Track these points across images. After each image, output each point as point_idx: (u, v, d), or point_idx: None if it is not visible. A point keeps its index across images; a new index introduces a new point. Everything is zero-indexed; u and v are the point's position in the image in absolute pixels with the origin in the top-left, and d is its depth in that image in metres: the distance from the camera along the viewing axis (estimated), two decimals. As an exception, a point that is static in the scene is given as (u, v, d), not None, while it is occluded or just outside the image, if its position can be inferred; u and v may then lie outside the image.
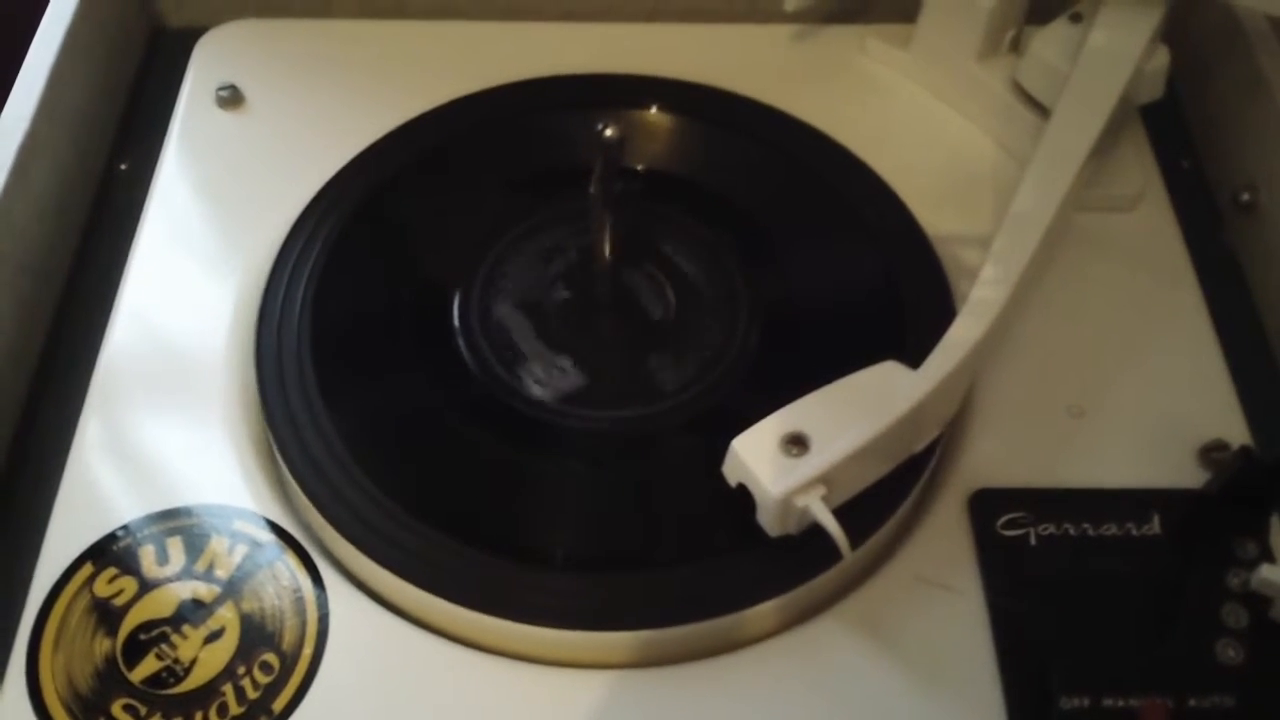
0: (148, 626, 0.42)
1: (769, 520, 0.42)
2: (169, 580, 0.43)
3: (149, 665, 0.41)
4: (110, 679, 0.41)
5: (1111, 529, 0.45)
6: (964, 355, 0.44)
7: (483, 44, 0.61)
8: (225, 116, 0.58)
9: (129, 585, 0.43)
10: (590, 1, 0.63)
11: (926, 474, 0.46)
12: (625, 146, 0.47)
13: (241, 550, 0.44)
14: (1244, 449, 0.46)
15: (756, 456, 0.42)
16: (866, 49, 0.61)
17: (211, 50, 0.60)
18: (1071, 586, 0.44)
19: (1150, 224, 0.55)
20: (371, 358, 0.50)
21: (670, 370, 0.49)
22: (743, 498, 0.43)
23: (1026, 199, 0.49)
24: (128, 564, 0.43)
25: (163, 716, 0.40)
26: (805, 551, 0.43)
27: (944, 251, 0.52)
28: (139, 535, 0.44)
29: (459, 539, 0.44)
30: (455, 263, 0.52)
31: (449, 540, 0.43)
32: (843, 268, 0.53)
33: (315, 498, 0.44)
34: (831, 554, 0.42)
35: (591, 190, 0.48)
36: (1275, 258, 0.55)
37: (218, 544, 0.44)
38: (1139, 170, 0.56)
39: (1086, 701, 0.41)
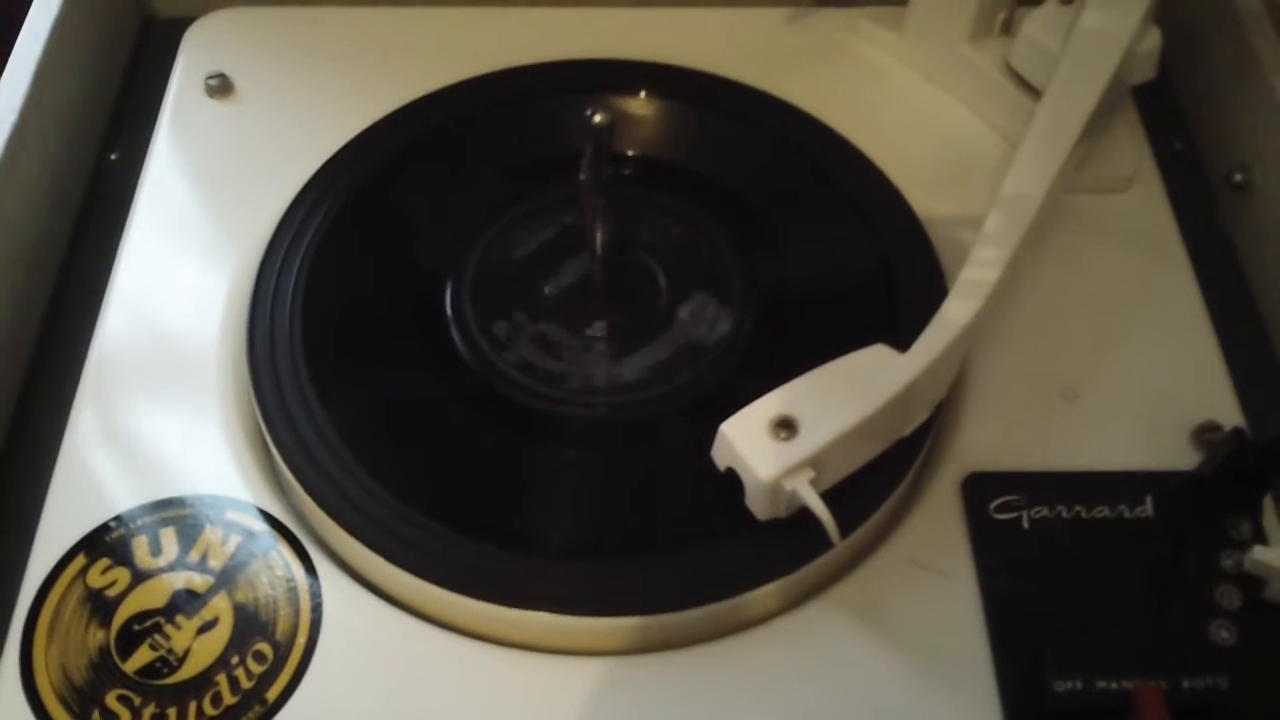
0: (141, 617, 0.42)
1: (758, 504, 0.42)
2: (162, 571, 0.43)
3: (143, 656, 0.41)
4: (104, 670, 0.41)
5: (1105, 511, 0.45)
6: (952, 338, 0.44)
7: (472, 30, 0.60)
8: (215, 105, 0.58)
9: (122, 576, 0.43)
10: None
11: (920, 458, 0.46)
12: (615, 132, 0.47)
13: (235, 540, 0.44)
14: (1237, 430, 0.46)
15: (745, 440, 0.42)
16: (858, 31, 0.61)
17: (201, 39, 0.60)
18: (1065, 569, 0.44)
19: (1143, 205, 0.55)
20: (364, 345, 0.50)
21: (664, 355, 0.49)
22: (734, 481, 0.43)
23: (1018, 180, 0.49)
24: (121, 555, 0.43)
25: (157, 707, 0.40)
26: (798, 537, 0.43)
27: (936, 234, 0.52)
28: (132, 526, 0.44)
29: (454, 526, 0.44)
30: (447, 250, 0.52)
31: (443, 527, 0.43)
32: (836, 252, 0.53)
33: (309, 486, 0.44)
34: (824, 540, 0.42)
35: (582, 176, 0.48)
36: (1268, 238, 0.55)
37: (211, 534, 0.44)
38: (1132, 151, 0.56)
39: (1080, 684, 0.41)
